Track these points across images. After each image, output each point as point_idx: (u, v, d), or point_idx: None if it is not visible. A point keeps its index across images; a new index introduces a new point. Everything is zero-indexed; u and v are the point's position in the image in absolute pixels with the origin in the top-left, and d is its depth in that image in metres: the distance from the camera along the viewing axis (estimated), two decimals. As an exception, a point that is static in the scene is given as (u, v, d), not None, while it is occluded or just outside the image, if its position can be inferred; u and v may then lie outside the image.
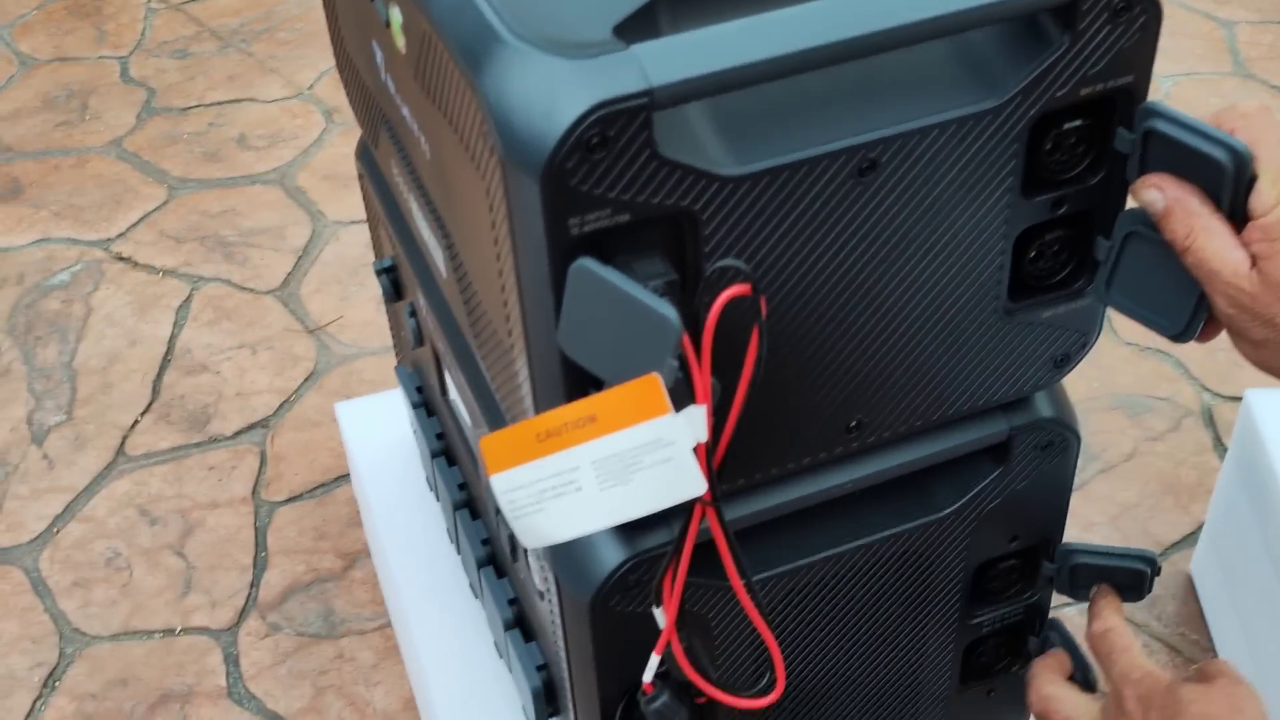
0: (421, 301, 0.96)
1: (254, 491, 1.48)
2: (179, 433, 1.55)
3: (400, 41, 0.72)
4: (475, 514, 1.00)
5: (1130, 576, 0.83)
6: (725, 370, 0.60)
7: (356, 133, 1.06)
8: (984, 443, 0.77)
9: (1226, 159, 0.62)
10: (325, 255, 1.81)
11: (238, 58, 2.21)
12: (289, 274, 1.78)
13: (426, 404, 1.10)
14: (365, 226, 1.85)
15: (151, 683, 1.29)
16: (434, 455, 1.06)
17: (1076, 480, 0.83)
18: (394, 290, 1.07)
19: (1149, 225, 0.66)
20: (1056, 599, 0.87)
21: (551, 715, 0.90)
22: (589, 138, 0.55)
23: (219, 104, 2.10)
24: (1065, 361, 0.75)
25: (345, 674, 1.29)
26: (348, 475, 1.48)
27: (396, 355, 1.22)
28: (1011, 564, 0.85)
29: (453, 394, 0.98)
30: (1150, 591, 0.83)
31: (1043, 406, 0.78)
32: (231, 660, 1.31)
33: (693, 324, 0.58)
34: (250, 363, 1.64)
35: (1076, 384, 1.42)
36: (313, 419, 1.56)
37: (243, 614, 1.35)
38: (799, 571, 0.77)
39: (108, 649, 1.32)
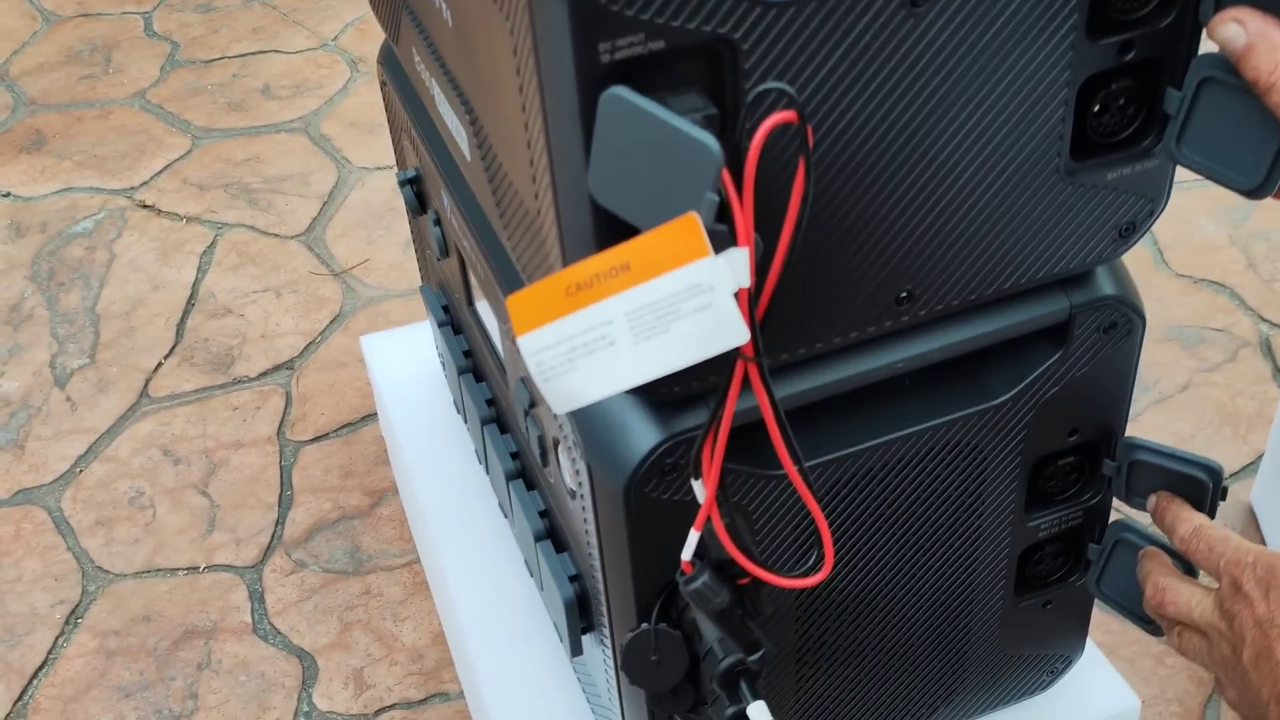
0: (446, 202, 0.92)
1: (279, 431, 1.44)
2: (203, 375, 1.52)
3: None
4: (504, 428, 0.97)
5: (1192, 487, 0.77)
6: (767, 221, 0.55)
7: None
8: (1042, 322, 0.73)
9: None
10: (351, 200, 1.77)
11: (262, 10, 2.18)
12: (314, 219, 1.74)
13: (453, 323, 1.07)
14: (392, 173, 1.82)
15: (175, 619, 1.25)
16: (461, 372, 1.03)
17: (1130, 412, 0.78)
18: (418, 202, 1.03)
19: (1226, 69, 0.61)
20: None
21: (584, 630, 0.86)
22: (619, -51, 0.51)
23: (243, 55, 2.07)
24: (1131, 231, 0.70)
25: (372, 609, 1.25)
26: (374, 415, 1.44)
27: (421, 276, 1.18)
28: (1070, 460, 0.80)
29: (478, 301, 0.94)
30: (1213, 512, 0.77)
31: (1105, 284, 0.73)
32: (257, 596, 1.27)
33: (733, 162, 0.54)
34: (275, 306, 1.61)
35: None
36: (339, 360, 1.53)
37: (268, 551, 1.31)
38: (845, 460, 0.73)
39: (131, 586, 1.29)
